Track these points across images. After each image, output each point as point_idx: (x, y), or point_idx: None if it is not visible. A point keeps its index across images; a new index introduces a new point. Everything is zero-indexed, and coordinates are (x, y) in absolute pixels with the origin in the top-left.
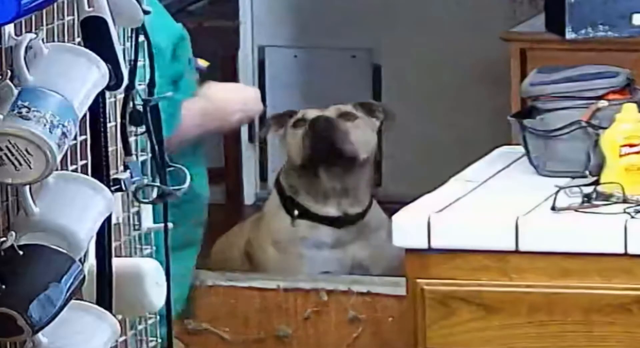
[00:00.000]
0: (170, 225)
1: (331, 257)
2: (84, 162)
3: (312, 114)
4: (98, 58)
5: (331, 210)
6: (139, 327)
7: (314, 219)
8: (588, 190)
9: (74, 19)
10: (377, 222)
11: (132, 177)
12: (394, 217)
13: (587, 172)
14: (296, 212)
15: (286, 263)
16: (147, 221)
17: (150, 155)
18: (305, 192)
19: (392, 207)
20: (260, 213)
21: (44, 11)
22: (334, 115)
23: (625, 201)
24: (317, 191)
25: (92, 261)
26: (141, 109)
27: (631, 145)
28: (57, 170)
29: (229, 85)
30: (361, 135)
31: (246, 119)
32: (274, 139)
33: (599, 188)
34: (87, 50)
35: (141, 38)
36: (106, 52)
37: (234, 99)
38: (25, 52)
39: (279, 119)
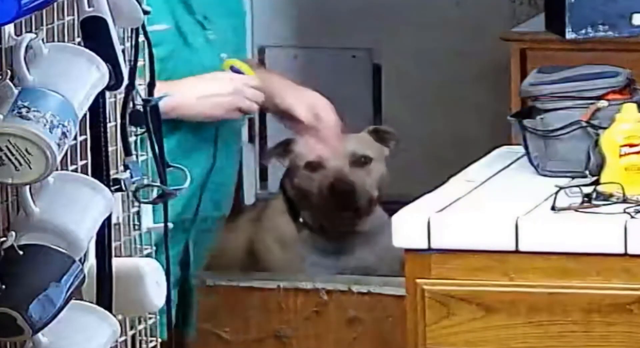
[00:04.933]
0: (170, 225)
1: (335, 263)
2: (84, 162)
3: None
4: (98, 58)
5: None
6: (139, 327)
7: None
8: (588, 190)
9: (74, 19)
10: (381, 226)
11: (132, 177)
12: (394, 217)
13: (587, 172)
14: (301, 220)
15: (290, 264)
16: (147, 221)
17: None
18: (312, 209)
19: (392, 207)
20: (258, 211)
21: (44, 11)
22: (348, 162)
23: (625, 201)
24: (325, 214)
25: (92, 261)
26: (141, 109)
27: (631, 145)
28: (57, 170)
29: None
30: (375, 178)
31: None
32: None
33: (599, 188)
34: (87, 50)
35: (141, 38)
36: (106, 52)
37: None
38: (25, 52)
39: (279, 151)
